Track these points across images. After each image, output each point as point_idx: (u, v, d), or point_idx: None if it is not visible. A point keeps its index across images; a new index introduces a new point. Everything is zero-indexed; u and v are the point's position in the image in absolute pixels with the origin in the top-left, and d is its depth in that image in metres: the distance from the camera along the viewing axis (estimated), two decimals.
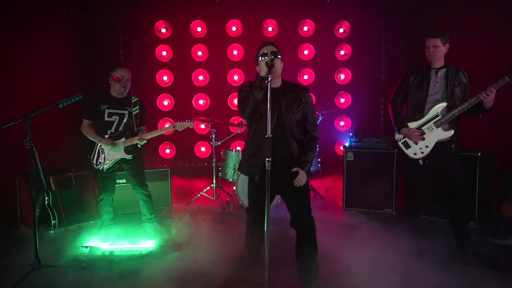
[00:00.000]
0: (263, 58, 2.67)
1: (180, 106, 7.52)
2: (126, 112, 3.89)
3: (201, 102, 7.51)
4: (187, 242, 3.84)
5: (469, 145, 4.26)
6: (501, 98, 3.38)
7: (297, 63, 7.48)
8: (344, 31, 7.39)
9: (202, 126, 7.20)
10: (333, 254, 3.45)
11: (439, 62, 3.59)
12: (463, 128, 3.66)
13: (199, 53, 7.39)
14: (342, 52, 7.44)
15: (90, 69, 6.57)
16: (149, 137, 3.79)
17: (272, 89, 2.54)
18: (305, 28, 7.40)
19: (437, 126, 3.52)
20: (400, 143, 3.79)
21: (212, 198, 5.41)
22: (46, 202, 4.12)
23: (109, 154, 3.84)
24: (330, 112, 6.06)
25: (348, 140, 5.04)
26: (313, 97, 7.25)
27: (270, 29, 7.40)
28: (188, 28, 7.34)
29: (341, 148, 5.10)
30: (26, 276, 3.12)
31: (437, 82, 3.58)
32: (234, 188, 5.01)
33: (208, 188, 5.50)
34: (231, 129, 5.71)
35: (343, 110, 7.55)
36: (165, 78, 7.42)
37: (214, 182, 5.47)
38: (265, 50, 2.73)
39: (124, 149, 3.80)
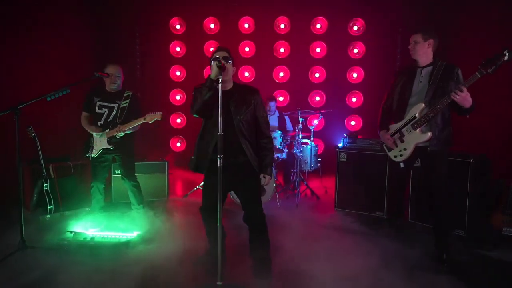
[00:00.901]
0: (214, 62, 2.77)
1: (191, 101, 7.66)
2: (116, 105, 4.09)
3: None
4: (164, 234, 3.97)
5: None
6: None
7: (309, 61, 7.42)
8: (358, 28, 7.22)
9: None
10: (299, 253, 3.44)
11: (424, 59, 3.38)
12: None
13: (212, 49, 7.50)
14: (355, 51, 7.27)
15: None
16: (127, 129, 3.94)
17: (224, 92, 2.69)
18: (318, 26, 7.31)
19: (414, 128, 3.33)
20: (384, 146, 3.70)
21: None
22: (44, 188, 4.42)
23: (96, 144, 4.08)
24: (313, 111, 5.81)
25: (342, 140, 4.94)
26: (324, 95, 7.31)
27: (282, 26, 7.38)
28: (202, 25, 7.49)
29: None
30: (10, 255, 3.39)
31: (421, 82, 3.37)
32: None
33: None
34: None
35: (354, 110, 7.40)
36: (178, 73, 7.62)
37: None
38: (217, 55, 2.90)
39: (107, 140, 4.00)
